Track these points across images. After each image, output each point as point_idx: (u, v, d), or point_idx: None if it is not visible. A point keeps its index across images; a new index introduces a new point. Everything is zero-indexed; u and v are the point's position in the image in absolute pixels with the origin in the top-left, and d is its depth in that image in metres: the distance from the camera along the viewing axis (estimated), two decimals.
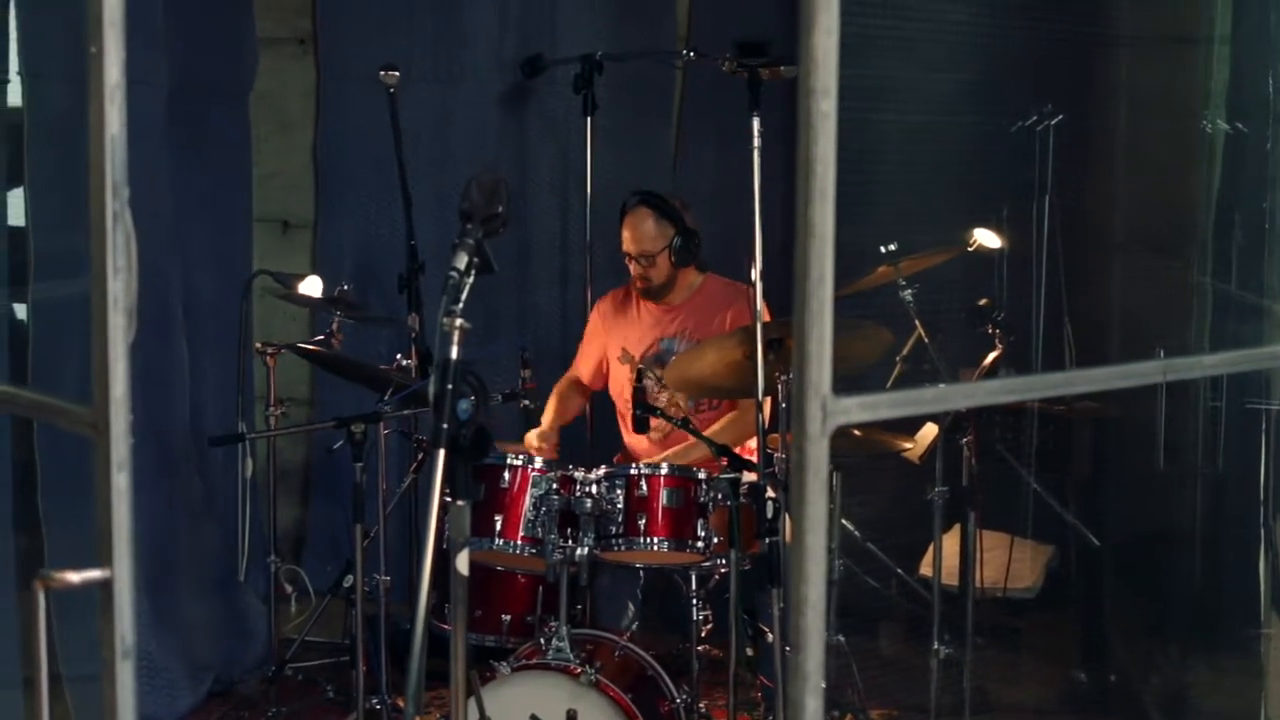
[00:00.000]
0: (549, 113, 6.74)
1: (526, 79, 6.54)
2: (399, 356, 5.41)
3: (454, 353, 2.91)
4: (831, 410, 1.98)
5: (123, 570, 2.03)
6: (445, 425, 2.86)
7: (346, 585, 4.98)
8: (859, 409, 2.17)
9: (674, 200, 5.50)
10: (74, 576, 2.06)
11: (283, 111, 6.88)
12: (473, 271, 3.04)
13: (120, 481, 2.02)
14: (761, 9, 6.47)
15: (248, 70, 6.64)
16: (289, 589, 6.00)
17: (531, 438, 5.33)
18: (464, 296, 2.99)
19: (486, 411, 2.94)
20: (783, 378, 4.44)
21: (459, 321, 2.93)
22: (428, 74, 6.63)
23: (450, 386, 2.87)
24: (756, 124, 4.15)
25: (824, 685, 2.02)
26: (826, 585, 4.99)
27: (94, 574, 2.04)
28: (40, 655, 2.14)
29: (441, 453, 2.87)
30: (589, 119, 6.25)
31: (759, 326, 4.23)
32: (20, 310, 4.86)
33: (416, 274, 5.73)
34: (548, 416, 5.57)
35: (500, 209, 3.11)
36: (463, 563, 3.00)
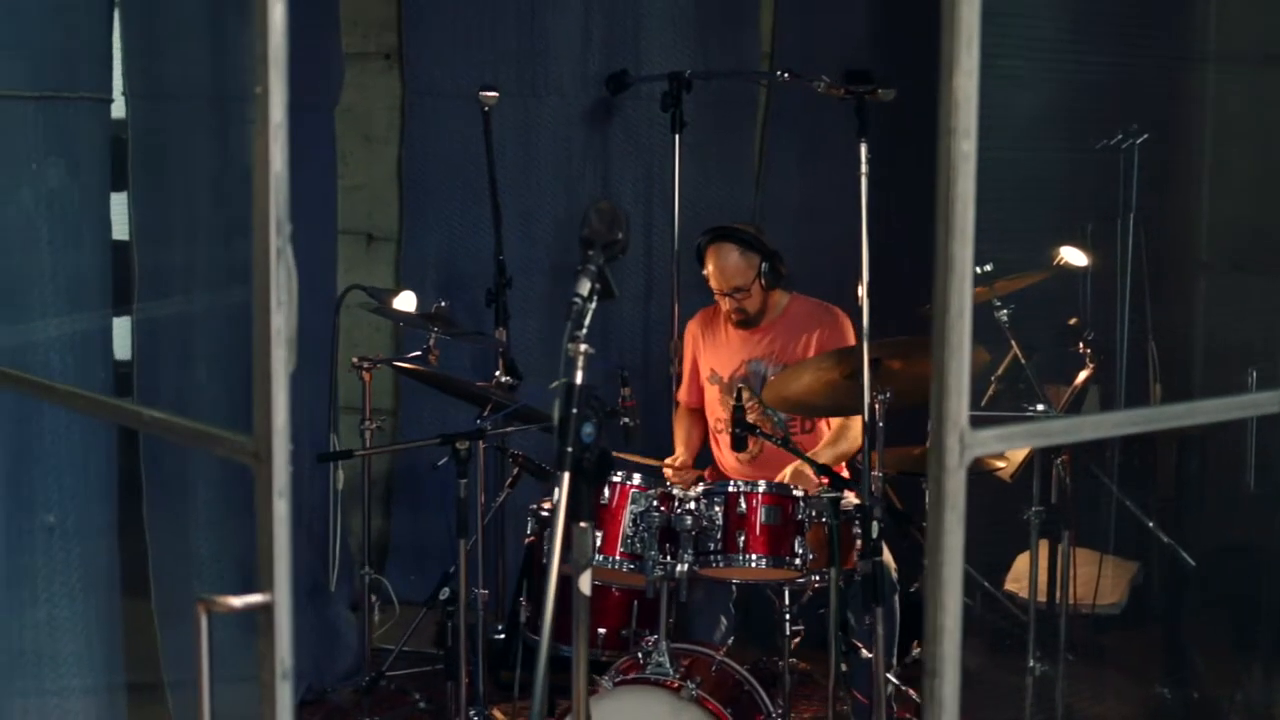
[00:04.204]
0: (633, 128, 6.79)
1: (611, 95, 6.59)
2: (497, 373, 5.48)
3: (579, 377, 2.97)
4: (969, 443, 2.02)
5: (282, 595, 2.07)
6: (570, 448, 2.93)
7: (443, 597, 5.04)
8: (995, 440, 2.22)
9: (749, 227, 5.55)
10: (235, 601, 2.09)
11: (368, 125, 6.96)
12: (595, 297, 3.10)
13: (280, 509, 2.05)
14: (845, 25, 6.55)
15: (334, 84, 6.71)
16: (373, 598, 6.06)
17: (668, 470, 5.49)
18: (588, 322, 3.05)
19: (608, 435, 3.00)
20: (879, 398, 4.48)
21: (583, 347, 2.99)
22: (512, 89, 6.69)
23: (575, 410, 2.94)
24: (864, 150, 4.18)
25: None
26: (921, 602, 5.02)
27: (255, 598, 2.07)
28: (203, 674, 2.19)
29: (567, 475, 2.93)
30: (677, 136, 6.29)
31: (865, 346, 4.27)
32: (121, 323, 4.94)
33: (504, 288, 5.79)
34: (679, 447, 5.72)
35: (620, 235, 3.16)
36: (585, 583, 3.06)
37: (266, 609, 2.07)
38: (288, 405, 2.07)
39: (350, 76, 6.82)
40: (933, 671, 2.05)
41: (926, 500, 5.03)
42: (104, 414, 3.09)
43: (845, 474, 5.16)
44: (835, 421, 5.48)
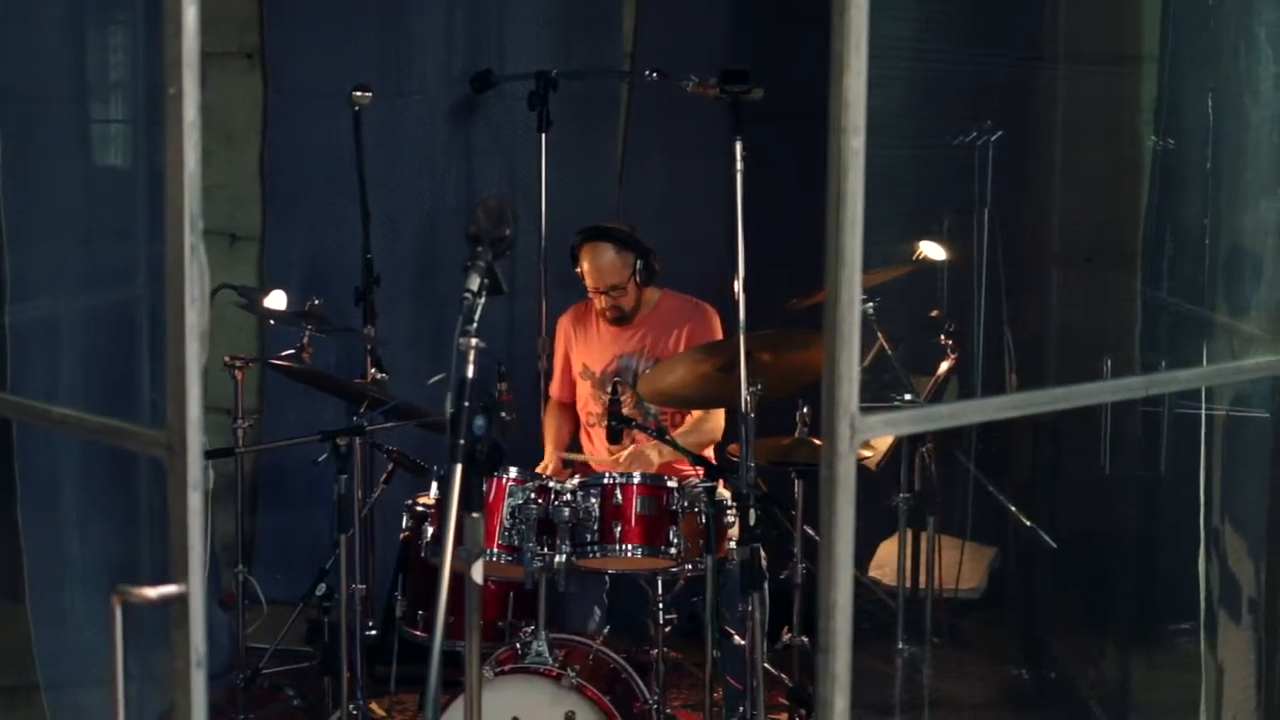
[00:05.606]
0: (496, 127, 6.82)
1: (475, 94, 6.62)
2: (373, 370, 5.50)
3: (470, 371, 3.03)
4: (859, 427, 2.12)
5: (195, 585, 2.10)
6: (462, 441, 2.98)
7: (320, 593, 5.07)
8: (883, 425, 2.32)
9: (623, 225, 5.63)
10: (150, 592, 2.12)
11: (229, 125, 6.90)
12: (485, 292, 3.16)
13: (194, 501, 2.09)
14: (706, 26, 6.66)
15: None
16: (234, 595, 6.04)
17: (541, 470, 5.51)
18: (478, 317, 3.11)
19: (500, 428, 3.05)
20: (751, 389, 4.56)
21: (474, 341, 3.05)
22: (375, 88, 6.65)
23: (468, 404, 3.00)
24: (740, 148, 4.25)
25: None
26: (790, 589, 5.10)
27: (170, 589, 2.10)
28: (117, 666, 2.21)
29: (459, 467, 2.98)
30: (544, 135, 6.36)
31: (742, 339, 4.35)
32: None
33: (372, 287, 5.81)
34: (549, 447, 5.77)
35: (508, 231, 3.22)
36: (477, 572, 3.13)
37: (181, 599, 2.10)
38: (201, 399, 2.12)
39: (210, 76, 6.77)
40: (826, 647, 2.14)
41: (796, 489, 5.18)
42: (9, 412, 3.10)
43: (714, 461, 5.26)
44: (696, 413, 5.59)
